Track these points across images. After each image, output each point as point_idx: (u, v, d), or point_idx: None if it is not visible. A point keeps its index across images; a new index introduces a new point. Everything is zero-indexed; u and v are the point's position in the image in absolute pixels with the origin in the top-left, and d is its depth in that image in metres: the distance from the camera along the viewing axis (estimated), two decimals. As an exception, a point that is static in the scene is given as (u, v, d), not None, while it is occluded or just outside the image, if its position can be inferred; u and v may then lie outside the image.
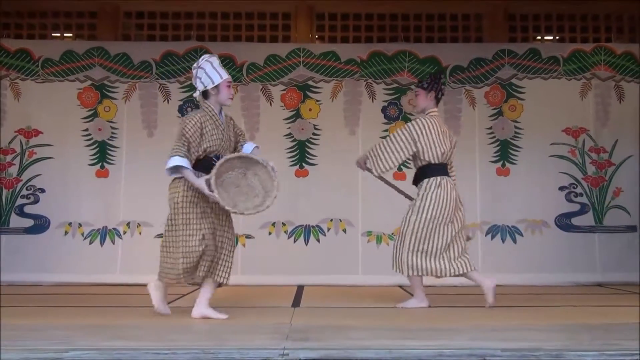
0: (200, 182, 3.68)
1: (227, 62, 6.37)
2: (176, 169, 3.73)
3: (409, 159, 4.52)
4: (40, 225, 6.22)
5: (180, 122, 3.86)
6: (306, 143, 6.37)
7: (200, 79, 3.87)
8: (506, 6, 6.74)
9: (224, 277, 3.81)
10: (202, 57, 3.94)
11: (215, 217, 3.83)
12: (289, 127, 6.39)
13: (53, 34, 6.84)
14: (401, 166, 6.27)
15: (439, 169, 4.43)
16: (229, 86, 3.92)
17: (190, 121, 3.78)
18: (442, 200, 4.35)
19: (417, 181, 4.52)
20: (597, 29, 6.82)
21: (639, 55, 6.44)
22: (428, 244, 4.33)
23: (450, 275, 4.36)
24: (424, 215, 4.34)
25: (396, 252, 4.44)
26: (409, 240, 4.35)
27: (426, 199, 4.36)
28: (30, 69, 6.34)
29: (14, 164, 6.30)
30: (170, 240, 3.80)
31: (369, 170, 4.49)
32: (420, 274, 4.37)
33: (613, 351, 2.69)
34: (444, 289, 5.60)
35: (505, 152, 6.39)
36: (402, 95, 6.39)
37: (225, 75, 3.89)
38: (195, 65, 3.92)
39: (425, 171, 4.44)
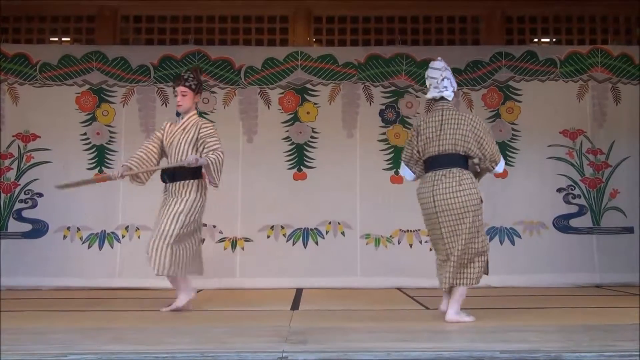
0: None
1: (225, 65, 6.38)
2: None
3: None
4: (38, 229, 6.21)
5: (479, 120, 4.00)
6: (304, 146, 6.37)
7: (450, 80, 3.97)
8: (503, 8, 6.75)
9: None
10: (439, 59, 4.01)
11: None
12: (287, 131, 6.38)
13: (51, 39, 6.82)
14: (398, 170, 6.31)
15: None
16: None
17: None
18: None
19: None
20: (594, 31, 6.84)
21: (636, 57, 6.46)
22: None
23: None
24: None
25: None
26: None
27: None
28: (28, 74, 6.34)
29: (12, 168, 6.29)
30: (479, 242, 3.83)
31: None
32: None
33: (612, 352, 2.70)
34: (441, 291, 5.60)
35: (503, 154, 6.37)
36: (399, 99, 6.40)
37: None
38: (441, 66, 3.97)
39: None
